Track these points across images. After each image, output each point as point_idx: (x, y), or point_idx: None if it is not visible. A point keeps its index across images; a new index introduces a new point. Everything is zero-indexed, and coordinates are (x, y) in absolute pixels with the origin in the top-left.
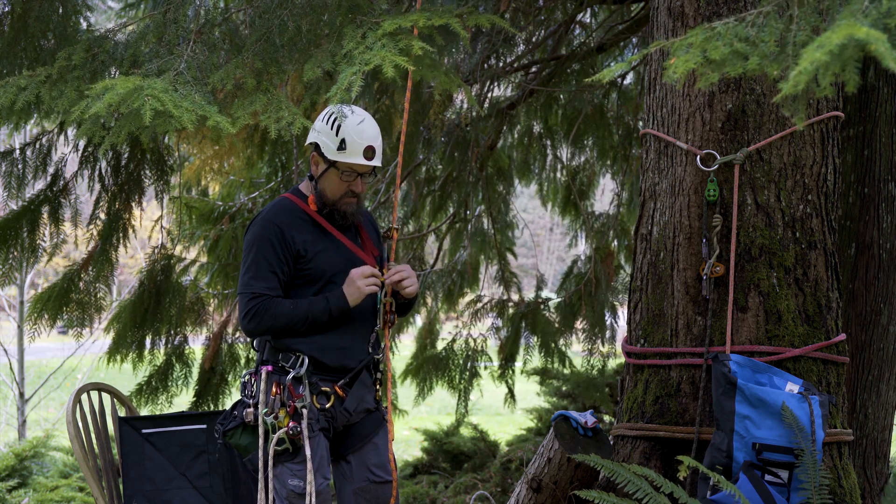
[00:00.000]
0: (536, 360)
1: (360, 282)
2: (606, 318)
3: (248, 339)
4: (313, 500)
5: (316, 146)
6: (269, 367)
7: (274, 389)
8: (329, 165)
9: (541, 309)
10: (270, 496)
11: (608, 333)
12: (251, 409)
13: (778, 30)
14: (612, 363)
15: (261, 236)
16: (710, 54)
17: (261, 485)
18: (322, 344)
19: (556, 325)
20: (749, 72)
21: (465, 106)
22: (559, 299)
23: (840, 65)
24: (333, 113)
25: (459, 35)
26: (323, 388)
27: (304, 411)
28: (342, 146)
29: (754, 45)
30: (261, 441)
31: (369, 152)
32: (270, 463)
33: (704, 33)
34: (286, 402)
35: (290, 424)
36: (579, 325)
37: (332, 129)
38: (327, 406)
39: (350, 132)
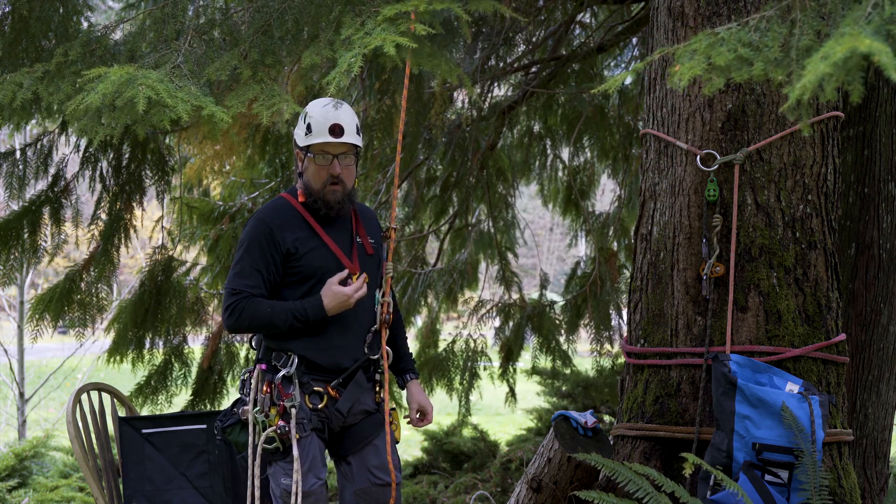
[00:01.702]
0: (539, 360)
1: (343, 299)
2: (612, 318)
3: (247, 339)
4: (299, 499)
5: (296, 143)
6: (263, 366)
7: (265, 388)
8: (305, 155)
9: (547, 312)
10: (258, 493)
11: (615, 334)
12: (248, 407)
13: (781, 34)
14: (620, 363)
15: (250, 235)
16: (715, 60)
17: (249, 481)
18: (314, 343)
19: (562, 326)
20: (754, 77)
21: (466, 106)
22: (563, 301)
23: (844, 75)
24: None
25: (461, 27)
26: (315, 388)
27: (293, 411)
28: (308, 130)
29: (758, 50)
30: (250, 437)
31: (336, 129)
32: (258, 460)
33: (708, 39)
34: (276, 402)
35: (279, 423)
36: (584, 326)
37: (300, 119)
38: (320, 406)
39: (315, 115)
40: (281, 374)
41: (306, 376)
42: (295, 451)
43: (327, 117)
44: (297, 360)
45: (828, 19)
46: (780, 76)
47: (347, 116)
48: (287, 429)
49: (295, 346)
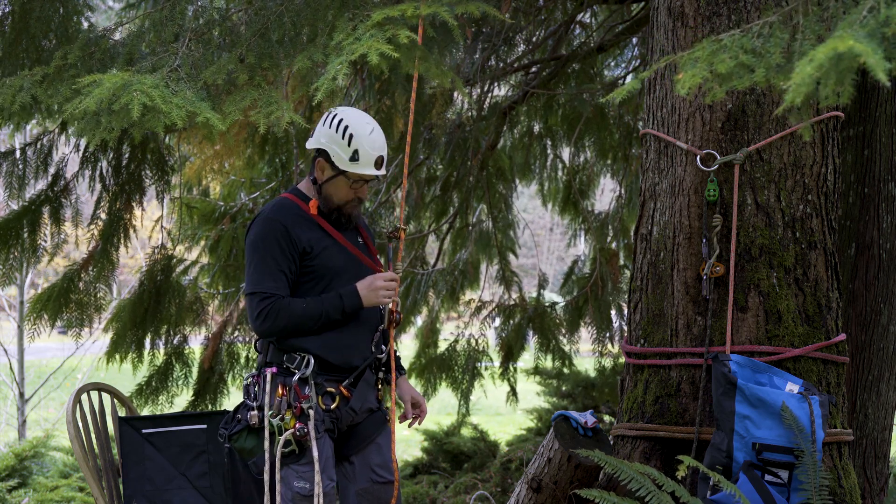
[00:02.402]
0: (541, 360)
1: (382, 292)
2: (614, 318)
3: (250, 340)
4: (320, 501)
5: (321, 152)
6: (274, 369)
7: (280, 391)
8: (338, 173)
9: (549, 313)
10: (277, 499)
11: (616, 335)
12: (255, 412)
13: (783, 40)
14: (621, 363)
15: (266, 235)
16: (717, 68)
17: (267, 487)
18: (327, 342)
19: (562, 326)
20: (756, 84)
21: (466, 106)
22: (564, 303)
23: (836, 77)
24: (342, 120)
25: (453, 29)
26: (328, 389)
27: (311, 412)
28: (355, 157)
29: (760, 56)
30: (267, 443)
31: (379, 162)
32: (278, 465)
33: (711, 46)
34: (292, 404)
35: (297, 426)
36: (585, 326)
37: (343, 138)
38: (332, 406)
39: (363, 143)
40: (297, 376)
41: (319, 377)
42: (315, 453)
43: (375, 148)
44: (312, 362)
45: (829, 24)
46: (781, 82)
47: (385, 147)
48: (306, 431)
49: (310, 347)
